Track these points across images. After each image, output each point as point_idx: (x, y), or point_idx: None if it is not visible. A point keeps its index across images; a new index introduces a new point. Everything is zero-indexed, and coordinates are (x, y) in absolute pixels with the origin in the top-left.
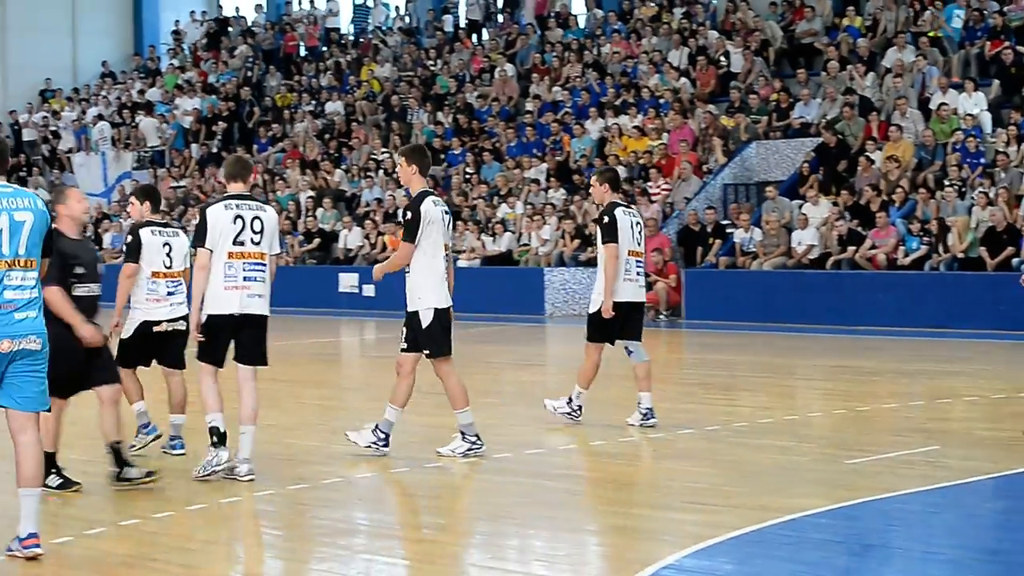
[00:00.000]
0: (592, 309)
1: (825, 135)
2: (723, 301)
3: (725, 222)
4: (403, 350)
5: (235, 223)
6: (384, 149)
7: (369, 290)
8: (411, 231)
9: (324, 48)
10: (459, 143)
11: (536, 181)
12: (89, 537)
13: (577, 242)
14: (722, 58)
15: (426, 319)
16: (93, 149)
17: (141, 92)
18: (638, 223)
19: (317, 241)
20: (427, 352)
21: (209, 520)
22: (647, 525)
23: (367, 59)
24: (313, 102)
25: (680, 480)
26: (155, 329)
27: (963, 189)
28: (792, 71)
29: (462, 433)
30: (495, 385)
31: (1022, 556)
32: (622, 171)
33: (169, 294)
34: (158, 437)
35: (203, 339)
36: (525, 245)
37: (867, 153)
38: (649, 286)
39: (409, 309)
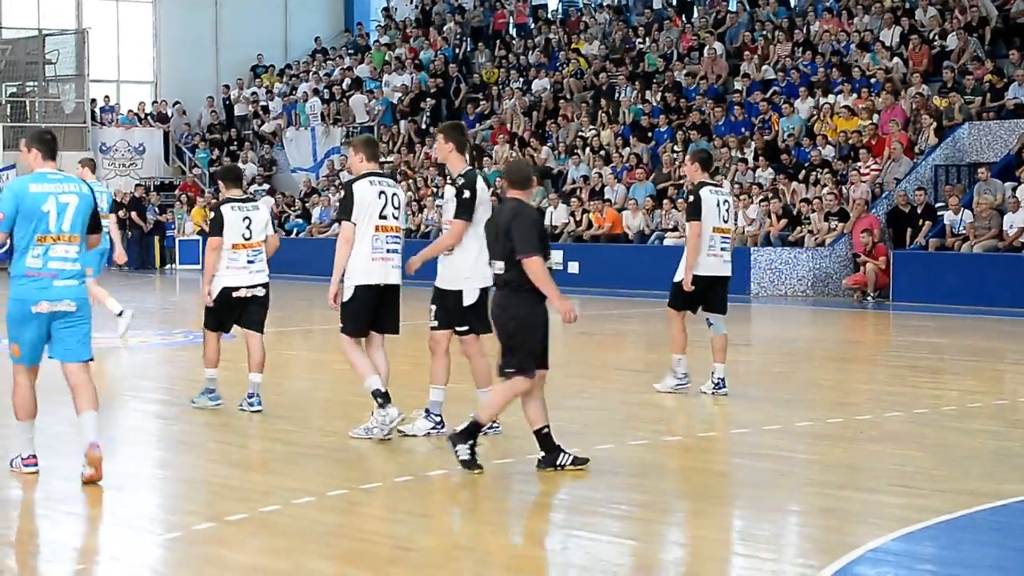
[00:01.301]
0: (676, 279)
1: None
2: (932, 283)
3: (936, 204)
4: (434, 328)
5: (379, 198)
6: (592, 127)
7: (574, 267)
8: (469, 209)
9: (532, 25)
10: (666, 121)
11: (744, 160)
12: (296, 506)
13: (784, 222)
14: (936, 37)
15: (471, 297)
16: (303, 124)
17: (350, 69)
18: (726, 201)
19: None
20: (467, 328)
21: (414, 493)
22: (853, 507)
23: (575, 36)
24: (520, 79)
25: (887, 463)
26: (234, 295)
27: None
28: (1006, 51)
29: (428, 409)
30: (697, 363)
31: None
32: (831, 151)
33: (249, 262)
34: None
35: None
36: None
37: None
38: (857, 267)
39: (448, 287)
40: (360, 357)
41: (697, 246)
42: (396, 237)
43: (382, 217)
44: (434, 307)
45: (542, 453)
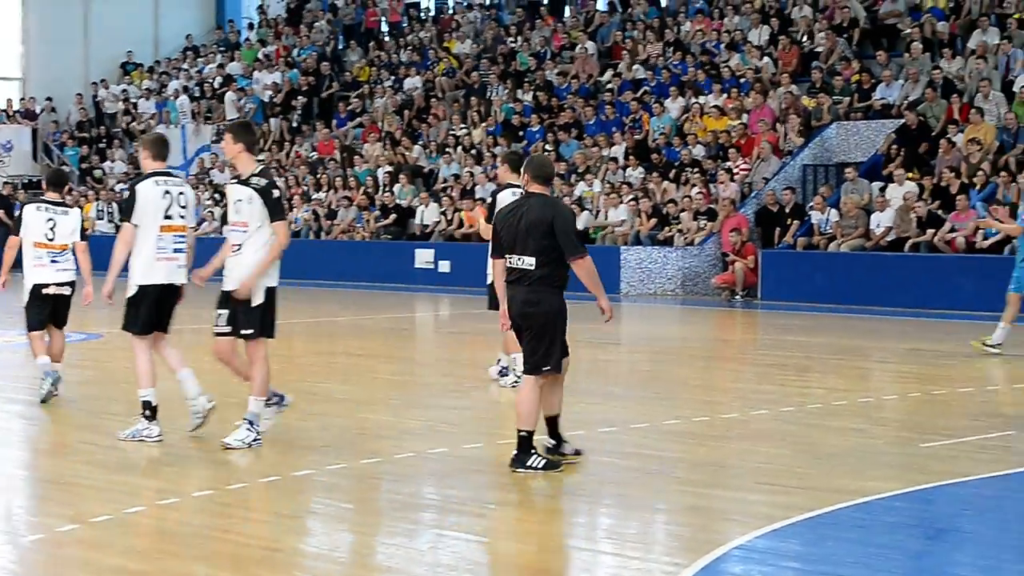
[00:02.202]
0: (488, 280)
1: (908, 116)
2: (799, 282)
3: (804, 203)
4: (222, 334)
5: (164, 198)
6: (463, 125)
7: (445, 266)
8: (283, 208)
9: (405, 23)
10: (538, 120)
11: (614, 159)
12: (162, 507)
13: (654, 221)
14: (805, 38)
15: (259, 298)
16: (173, 122)
17: (221, 66)
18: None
19: (393, 216)
20: (252, 332)
21: (282, 492)
22: (719, 505)
23: (447, 35)
24: (392, 78)
25: (753, 461)
26: (44, 291)
27: None
28: (874, 52)
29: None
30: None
31: None
32: (700, 151)
33: (53, 261)
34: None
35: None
36: (602, 224)
37: (948, 136)
38: (726, 266)
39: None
40: (145, 363)
41: None
42: (182, 237)
43: (167, 217)
44: (224, 312)
45: (552, 442)
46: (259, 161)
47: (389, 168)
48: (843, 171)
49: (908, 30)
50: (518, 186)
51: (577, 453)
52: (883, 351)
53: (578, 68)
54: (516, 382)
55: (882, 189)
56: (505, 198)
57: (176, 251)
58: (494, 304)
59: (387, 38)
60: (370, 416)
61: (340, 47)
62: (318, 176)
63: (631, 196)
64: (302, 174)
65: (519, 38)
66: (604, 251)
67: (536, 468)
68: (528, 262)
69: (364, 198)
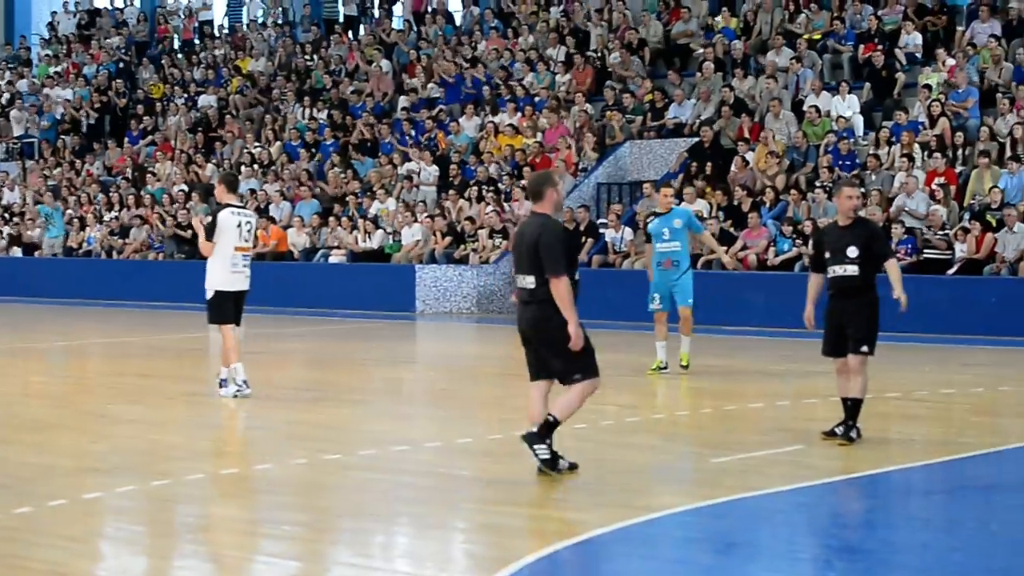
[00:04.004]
0: (208, 295)
1: (704, 133)
2: (594, 300)
3: (599, 221)
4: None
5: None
6: (257, 144)
7: None
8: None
9: (198, 41)
10: (332, 137)
11: (409, 178)
12: None
13: (449, 239)
14: (598, 56)
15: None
16: None
17: (11, 83)
18: (248, 222)
19: (190, 234)
20: None
21: (71, 516)
22: (512, 523)
23: (241, 53)
24: (185, 95)
25: (547, 478)
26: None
27: (833, 191)
28: (667, 71)
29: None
30: (363, 382)
31: (883, 555)
32: (495, 169)
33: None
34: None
35: None
36: (397, 241)
37: (740, 154)
38: None
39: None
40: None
41: (219, 264)
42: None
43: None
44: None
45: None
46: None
47: (183, 186)
48: (636, 189)
49: (700, 50)
50: (237, 205)
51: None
52: (675, 367)
53: (373, 86)
54: (238, 392)
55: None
56: (225, 218)
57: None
58: (213, 318)
59: (179, 55)
60: (161, 437)
61: (133, 64)
62: (110, 195)
63: (426, 214)
64: (94, 192)
65: (314, 56)
66: (399, 269)
67: (538, 455)
68: (529, 281)
69: (156, 216)
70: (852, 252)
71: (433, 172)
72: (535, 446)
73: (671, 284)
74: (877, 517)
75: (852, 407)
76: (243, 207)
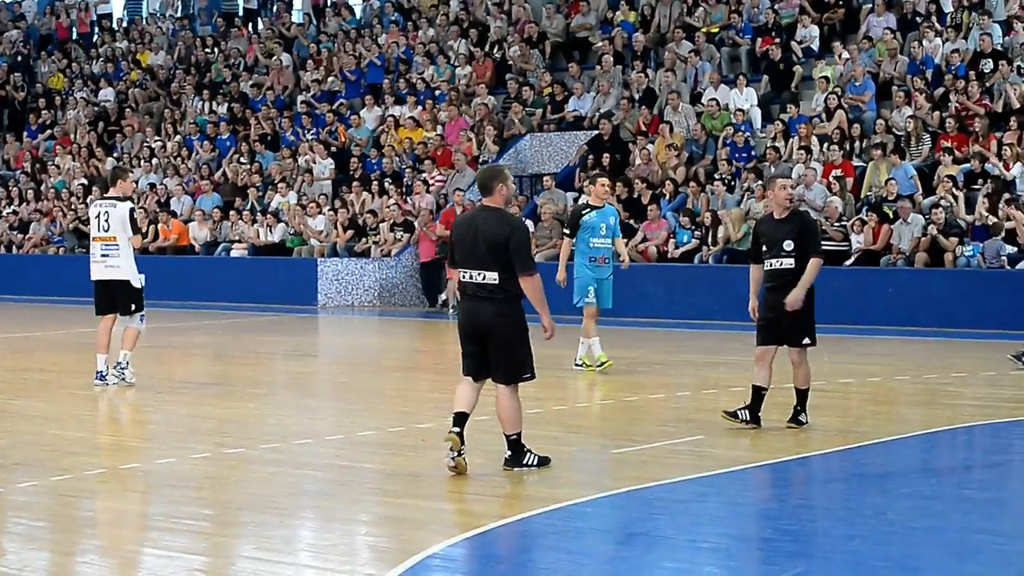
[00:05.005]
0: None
1: (603, 125)
2: None
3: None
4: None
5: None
6: (157, 137)
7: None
8: None
9: (96, 34)
10: (230, 130)
11: (310, 171)
12: None
13: (351, 232)
14: (498, 49)
15: None
16: None
17: None
18: (106, 212)
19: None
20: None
21: None
22: (414, 515)
23: (140, 46)
24: (85, 88)
25: (446, 470)
26: None
27: (732, 183)
28: (567, 64)
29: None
30: (266, 375)
31: (783, 543)
32: (397, 161)
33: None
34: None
35: None
36: (298, 234)
37: (639, 147)
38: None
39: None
40: None
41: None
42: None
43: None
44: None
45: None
46: None
47: (83, 180)
48: (538, 181)
49: (599, 43)
50: (110, 197)
51: (541, 462)
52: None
53: (273, 80)
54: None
55: (576, 199)
56: (90, 210)
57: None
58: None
59: (79, 48)
60: (62, 432)
61: (32, 58)
62: (9, 188)
63: (328, 207)
64: None
65: (215, 49)
66: (301, 263)
67: (532, 466)
68: (490, 276)
69: (58, 210)
70: (788, 246)
71: (329, 165)
72: (521, 467)
73: (601, 281)
74: (776, 506)
75: (800, 395)
76: (115, 198)
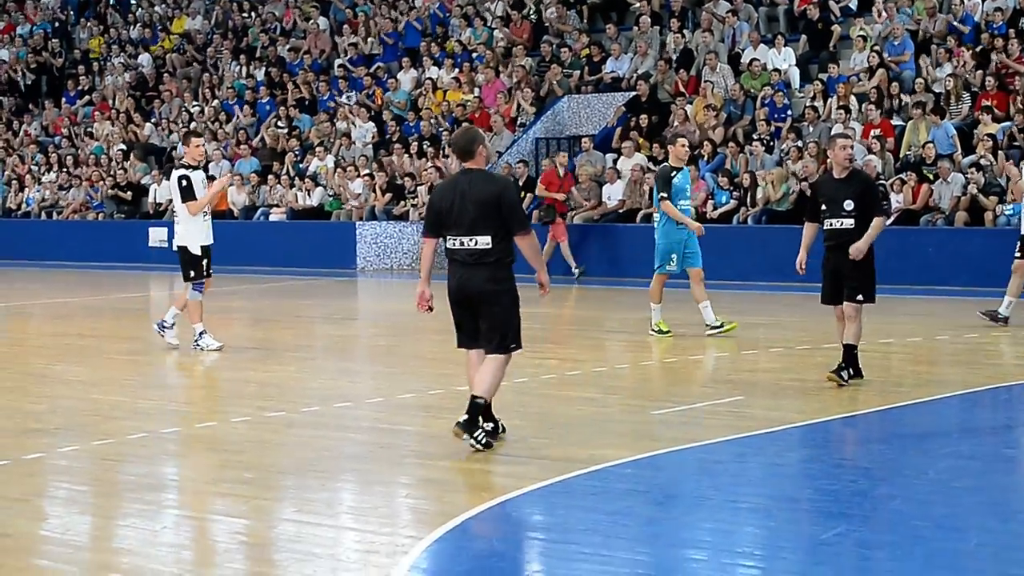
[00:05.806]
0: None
1: (640, 87)
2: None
3: (537, 176)
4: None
5: None
6: (195, 102)
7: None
8: None
9: (134, 0)
10: (269, 95)
11: (348, 135)
12: None
13: (389, 196)
14: (533, 11)
15: None
16: None
17: None
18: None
19: (129, 195)
20: None
21: (12, 476)
22: (454, 478)
23: (178, 11)
24: (123, 54)
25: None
26: None
27: (771, 144)
28: (604, 25)
29: None
30: (305, 339)
31: (823, 503)
32: (435, 125)
33: None
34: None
35: None
36: (336, 198)
37: (678, 107)
38: None
39: None
40: None
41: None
42: None
43: None
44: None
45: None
46: None
47: (122, 146)
48: (575, 143)
49: (637, 4)
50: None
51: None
52: (615, 321)
53: (310, 43)
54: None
55: (614, 161)
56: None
57: None
58: None
59: (116, 14)
60: (103, 397)
61: (70, 24)
62: (48, 155)
63: (367, 171)
64: (31, 153)
65: (252, 14)
66: (339, 227)
67: (478, 443)
68: (483, 241)
69: (96, 175)
70: (848, 206)
71: (371, 129)
72: (470, 438)
73: (690, 241)
74: (816, 467)
75: (847, 351)
76: (180, 165)
